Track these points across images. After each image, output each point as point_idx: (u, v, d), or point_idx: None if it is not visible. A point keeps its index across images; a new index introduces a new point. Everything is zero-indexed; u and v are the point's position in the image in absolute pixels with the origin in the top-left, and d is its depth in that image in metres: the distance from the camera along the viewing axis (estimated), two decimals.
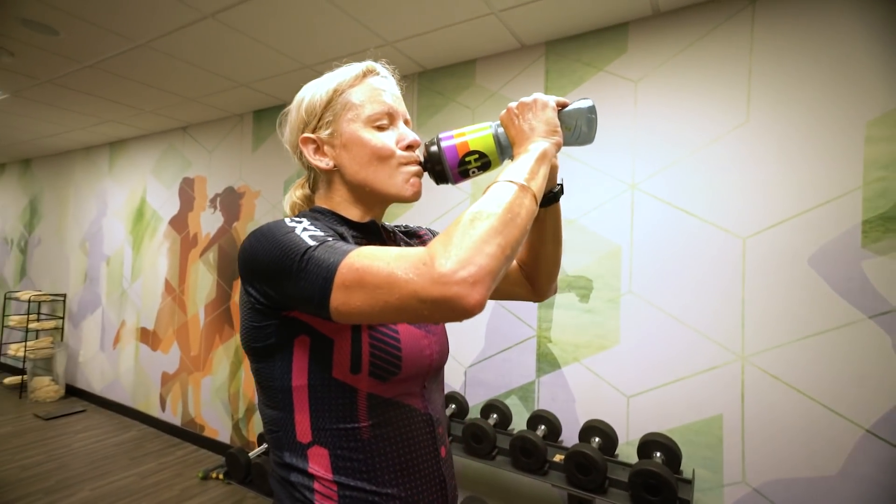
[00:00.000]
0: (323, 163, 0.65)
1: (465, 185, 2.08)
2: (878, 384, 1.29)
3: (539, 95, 0.64)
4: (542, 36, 1.86)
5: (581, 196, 1.80)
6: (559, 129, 0.62)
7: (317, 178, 0.69)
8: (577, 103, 0.65)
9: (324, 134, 0.64)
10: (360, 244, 0.64)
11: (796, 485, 1.37)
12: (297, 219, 0.57)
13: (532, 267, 0.80)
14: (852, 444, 1.31)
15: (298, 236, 0.52)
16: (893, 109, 1.31)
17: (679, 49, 1.63)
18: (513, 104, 0.64)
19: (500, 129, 0.65)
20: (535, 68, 1.93)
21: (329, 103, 0.64)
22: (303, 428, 0.58)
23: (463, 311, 0.43)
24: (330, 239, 0.52)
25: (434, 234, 0.85)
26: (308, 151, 0.65)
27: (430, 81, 2.21)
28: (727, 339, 1.50)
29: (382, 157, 0.63)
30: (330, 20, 1.77)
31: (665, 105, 1.65)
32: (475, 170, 0.64)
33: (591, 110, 0.64)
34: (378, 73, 0.67)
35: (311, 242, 0.50)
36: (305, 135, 0.65)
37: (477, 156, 0.63)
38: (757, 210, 1.48)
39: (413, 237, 0.81)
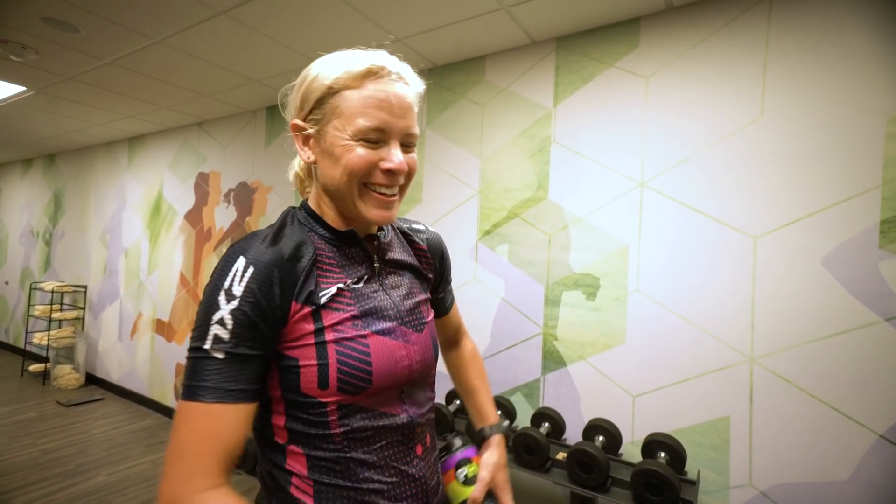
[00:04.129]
0: (305, 155, 0.63)
1: (473, 181, 2.08)
2: (893, 389, 1.25)
3: None
4: (553, 31, 1.85)
5: (589, 193, 1.78)
6: None
7: None
8: None
9: (310, 129, 0.61)
10: (339, 252, 0.64)
11: (805, 489, 1.34)
12: (254, 251, 0.57)
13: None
14: (865, 449, 1.28)
15: (209, 326, 0.53)
16: None
17: (692, 44, 1.60)
18: None
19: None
20: (545, 64, 1.91)
21: (320, 100, 0.59)
22: (279, 430, 0.59)
23: None
24: (219, 355, 0.52)
25: (443, 258, 0.81)
26: (297, 139, 0.63)
27: (439, 78, 2.21)
28: (736, 340, 1.47)
29: (356, 175, 0.59)
30: (340, 16, 1.78)
31: (676, 101, 1.62)
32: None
33: None
34: (384, 76, 0.59)
35: (205, 344, 0.53)
36: (296, 121, 0.63)
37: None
38: (770, 208, 1.44)
39: (409, 250, 0.74)
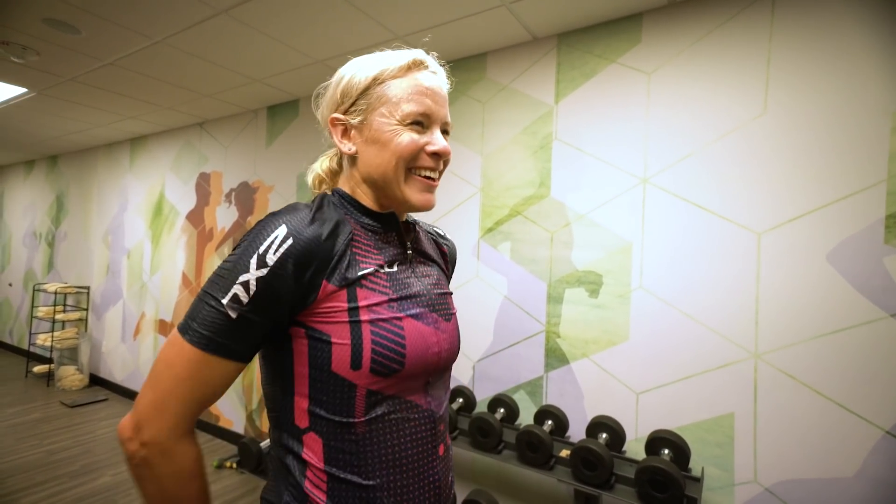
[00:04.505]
0: (346, 147, 0.65)
1: (474, 179, 2.07)
2: None
3: None
4: (554, 28, 1.84)
5: (591, 190, 1.77)
6: None
7: (343, 156, 0.69)
8: None
9: (354, 120, 0.63)
10: (375, 235, 0.65)
11: (810, 486, 1.34)
12: (296, 224, 0.57)
13: None
14: (871, 445, 1.27)
15: (233, 283, 0.54)
16: None
17: (695, 39, 1.59)
18: None
19: None
20: (546, 61, 1.91)
21: (366, 90, 0.62)
22: (300, 413, 0.58)
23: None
24: (232, 314, 0.53)
25: (452, 254, 0.83)
26: (336, 133, 0.65)
27: None
28: (740, 337, 1.46)
29: (403, 158, 0.61)
30: (340, 15, 1.78)
31: (679, 97, 1.61)
32: None
33: None
34: (426, 68, 0.64)
35: (222, 295, 0.54)
36: (336, 115, 0.64)
37: None
38: (774, 204, 1.44)
39: (436, 249, 0.78)
